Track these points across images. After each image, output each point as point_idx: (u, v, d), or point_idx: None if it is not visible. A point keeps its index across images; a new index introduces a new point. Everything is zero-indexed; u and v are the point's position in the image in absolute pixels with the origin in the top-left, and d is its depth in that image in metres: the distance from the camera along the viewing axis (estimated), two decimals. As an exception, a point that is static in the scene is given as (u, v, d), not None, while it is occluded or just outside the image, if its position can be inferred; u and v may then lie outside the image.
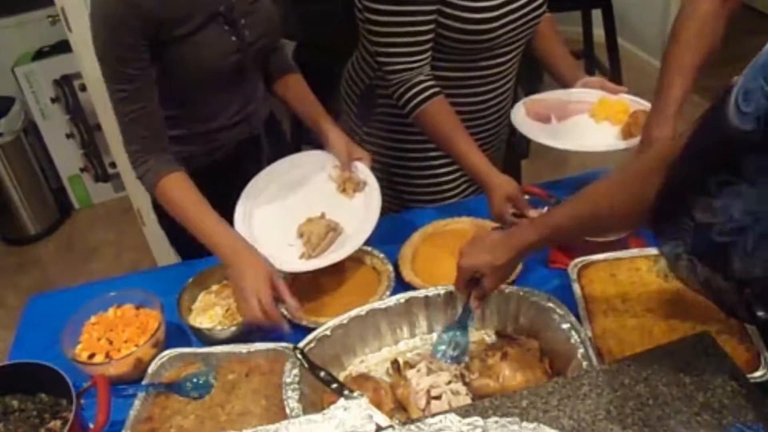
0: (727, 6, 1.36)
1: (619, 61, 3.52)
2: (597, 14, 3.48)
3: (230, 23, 1.47)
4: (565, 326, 1.18)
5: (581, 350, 1.13)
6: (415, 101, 1.55)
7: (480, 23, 1.51)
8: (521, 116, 1.68)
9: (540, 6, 1.62)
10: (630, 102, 1.68)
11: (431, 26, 1.51)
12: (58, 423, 1.19)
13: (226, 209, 1.47)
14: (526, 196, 1.51)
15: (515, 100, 1.78)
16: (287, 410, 1.12)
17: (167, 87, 1.46)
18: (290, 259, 1.43)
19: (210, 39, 1.45)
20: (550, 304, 1.22)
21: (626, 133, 1.59)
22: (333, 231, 1.46)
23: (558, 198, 1.54)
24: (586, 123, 1.67)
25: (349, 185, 1.56)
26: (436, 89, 1.56)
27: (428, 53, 1.55)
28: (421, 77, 1.55)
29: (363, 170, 1.57)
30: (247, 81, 1.58)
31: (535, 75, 2.53)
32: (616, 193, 1.04)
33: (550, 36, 1.76)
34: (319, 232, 1.44)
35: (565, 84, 1.77)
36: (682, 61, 1.39)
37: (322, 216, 1.50)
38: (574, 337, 1.16)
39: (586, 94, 1.72)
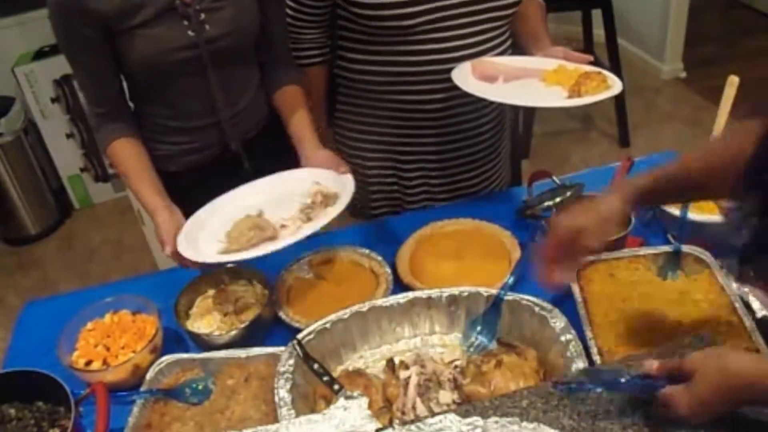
0: None
1: (619, 61, 3.52)
2: (597, 14, 3.48)
3: (187, 17, 1.47)
4: (563, 338, 1.17)
5: (576, 365, 1.12)
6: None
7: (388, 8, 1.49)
8: (464, 74, 1.54)
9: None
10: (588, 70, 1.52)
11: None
12: (56, 431, 1.19)
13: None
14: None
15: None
16: (276, 398, 1.13)
17: (129, 79, 1.55)
18: (208, 251, 1.39)
19: (162, 32, 1.45)
20: (552, 315, 1.21)
21: (573, 92, 1.45)
22: (258, 229, 1.39)
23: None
24: (534, 85, 1.53)
25: (318, 198, 1.46)
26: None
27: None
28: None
29: (347, 185, 1.46)
30: (212, 80, 1.56)
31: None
32: (710, 155, 1.08)
33: (531, 17, 1.69)
34: (242, 228, 1.39)
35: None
36: None
37: (259, 214, 1.45)
38: (571, 351, 1.15)
39: (544, 62, 1.57)
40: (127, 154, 1.54)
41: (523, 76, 1.54)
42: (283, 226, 1.40)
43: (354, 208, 1.86)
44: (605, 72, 1.48)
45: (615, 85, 1.45)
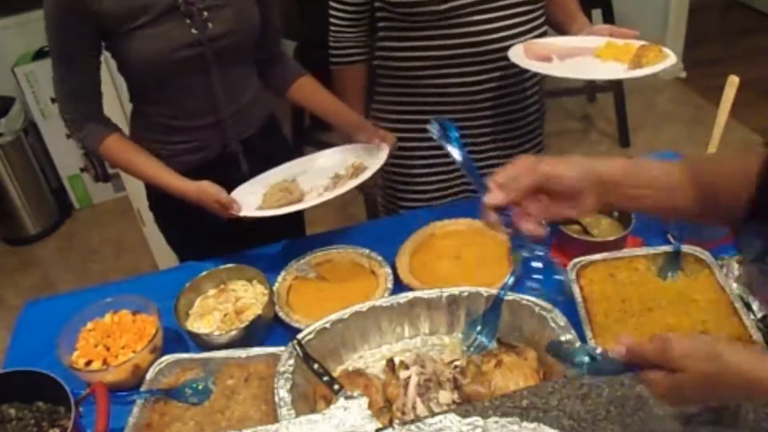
0: None
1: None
2: (597, 14, 3.48)
3: (190, 16, 1.48)
4: (563, 339, 1.17)
5: None
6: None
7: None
8: (519, 55, 1.59)
9: None
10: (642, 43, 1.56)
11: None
12: (56, 431, 1.19)
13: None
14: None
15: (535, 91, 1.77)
16: (276, 398, 1.13)
17: (130, 80, 1.56)
18: (247, 204, 1.55)
19: (165, 31, 1.46)
20: (552, 315, 1.21)
21: (635, 64, 1.50)
22: (287, 192, 1.55)
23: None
24: (590, 61, 1.58)
25: (349, 171, 1.59)
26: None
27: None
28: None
29: (380, 154, 1.58)
30: (214, 79, 1.56)
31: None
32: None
33: None
34: (275, 191, 1.57)
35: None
36: None
37: (293, 180, 1.61)
38: (571, 350, 1.15)
39: (591, 40, 1.62)
40: (128, 146, 1.57)
41: (576, 54, 1.59)
42: (311, 192, 1.57)
43: (388, 202, 1.93)
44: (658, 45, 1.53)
45: (670, 56, 1.50)
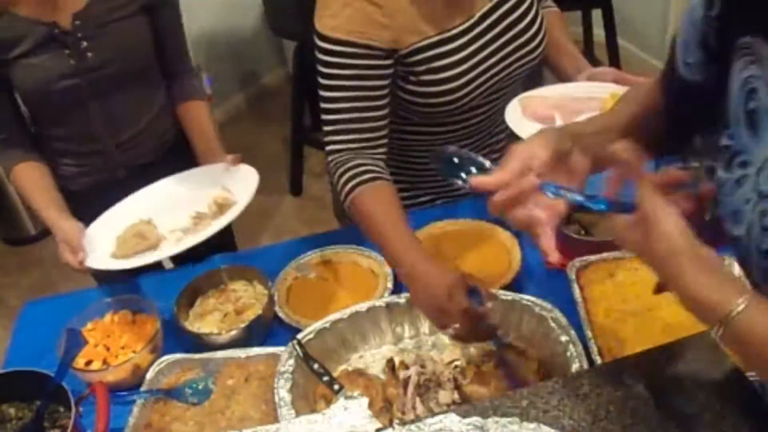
0: None
1: (619, 61, 3.52)
2: (597, 14, 3.47)
3: (67, 45, 1.47)
4: (563, 339, 1.17)
5: (576, 365, 1.12)
6: (348, 186, 1.32)
7: (443, 95, 1.39)
8: (517, 117, 1.47)
9: (527, 43, 1.45)
10: None
11: (383, 111, 1.36)
12: (56, 431, 1.19)
13: None
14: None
15: None
16: (276, 398, 1.13)
17: (24, 104, 1.55)
18: (101, 255, 1.43)
19: (43, 61, 1.46)
20: (552, 315, 1.21)
21: None
22: (141, 238, 1.42)
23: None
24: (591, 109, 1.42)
25: (213, 208, 1.45)
26: (377, 174, 1.33)
27: (379, 140, 1.37)
28: (361, 161, 1.34)
29: (248, 186, 1.42)
30: (92, 109, 1.56)
31: (535, 71, 2.49)
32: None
33: (551, 26, 1.58)
34: (128, 235, 1.43)
35: (565, 77, 1.58)
36: None
37: (149, 222, 1.46)
38: (571, 351, 1.15)
39: (595, 88, 1.49)
40: (29, 176, 1.56)
41: (580, 110, 1.43)
42: (172, 232, 1.43)
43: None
44: None
45: None
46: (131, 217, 1.48)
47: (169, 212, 1.47)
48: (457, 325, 1.15)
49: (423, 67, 1.35)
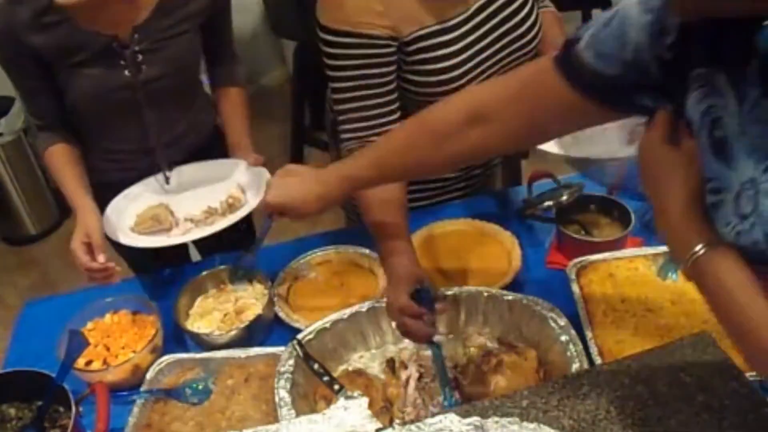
0: None
1: (618, 60, 3.51)
2: (597, 14, 3.47)
3: (125, 58, 1.48)
4: (563, 338, 1.17)
5: (576, 365, 1.12)
6: None
7: (440, 85, 1.39)
8: None
9: (521, 36, 1.45)
10: None
11: (390, 97, 1.38)
12: (56, 431, 1.19)
13: None
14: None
15: None
16: (276, 398, 1.13)
17: (69, 106, 1.56)
18: (125, 230, 1.50)
19: (99, 72, 1.48)
20: (552, 315, 1.21)
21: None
22: (156, 221, 1.49)
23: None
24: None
25: (224, 205, 1.50)
26: None
27: (389, 124, 1.38)
28: None
29: (260, 191, 1.42)
30: (146, 118, 1.58)
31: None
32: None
33: (547, 27, 1.57)
34: (146, 216, 1.51)
35: None
36: None
37: (167, 207, 1.53)
38: (571, 350, 1.15)
39: None
40: (64, 158, 1.57)
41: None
42: (187, 219, 1.50)
43: None
44: None
45: None
46: (152, 199, 1.57)
47: (186, 200, 1.56)
48: (393, 323, 1.23)
49: (422, 56, 1.37)
